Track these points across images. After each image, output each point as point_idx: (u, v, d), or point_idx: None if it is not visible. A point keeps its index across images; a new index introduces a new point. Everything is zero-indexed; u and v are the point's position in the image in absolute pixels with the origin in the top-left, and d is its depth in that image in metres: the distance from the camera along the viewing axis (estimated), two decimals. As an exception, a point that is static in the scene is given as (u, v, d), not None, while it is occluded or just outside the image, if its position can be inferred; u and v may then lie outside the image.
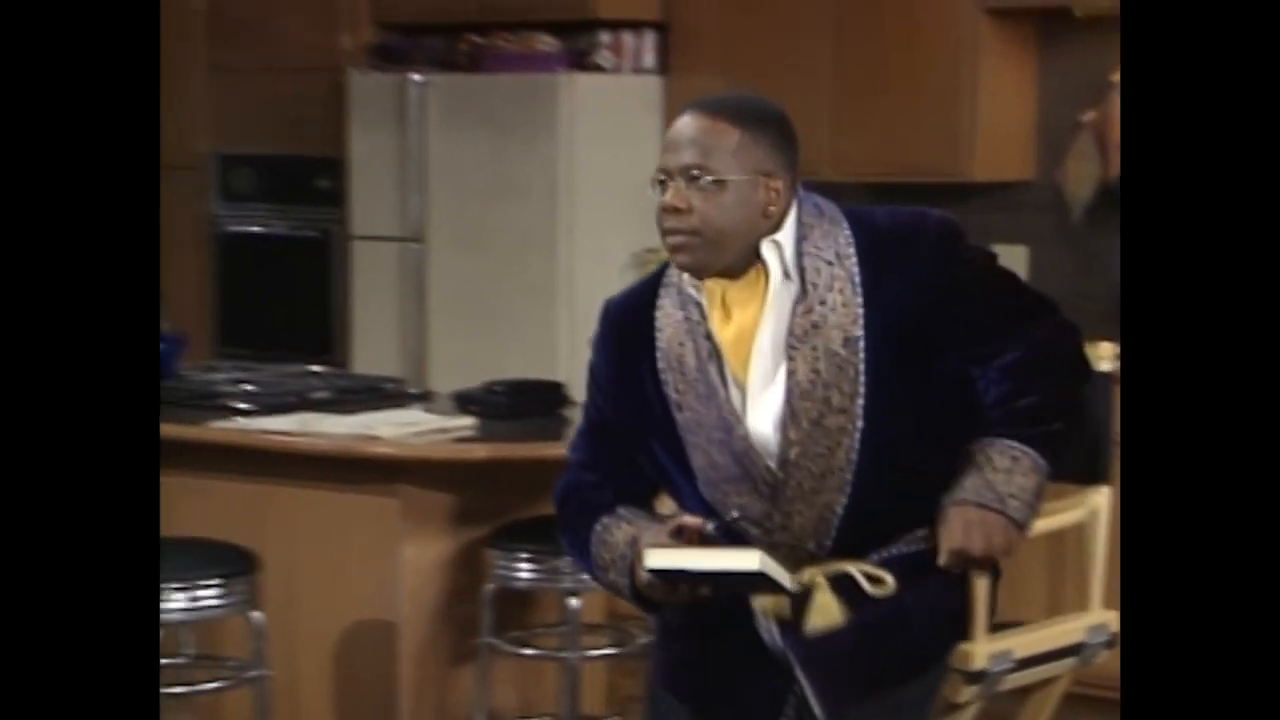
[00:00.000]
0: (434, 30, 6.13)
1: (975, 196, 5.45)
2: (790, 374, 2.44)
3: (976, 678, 2.98)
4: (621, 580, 2.52)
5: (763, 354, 2.45)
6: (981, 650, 2.96)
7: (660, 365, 2.51)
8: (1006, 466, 2.41)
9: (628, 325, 2.57)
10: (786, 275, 2.45)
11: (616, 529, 2.54)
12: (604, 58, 5.84)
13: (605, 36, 5.82)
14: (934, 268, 2.47)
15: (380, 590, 4.01)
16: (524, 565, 3.87)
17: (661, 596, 2.47)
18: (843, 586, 2.48)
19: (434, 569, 4.03)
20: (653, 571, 2.40)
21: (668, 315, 2.52)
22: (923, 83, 5.42)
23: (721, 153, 2.43)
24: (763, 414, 2.46)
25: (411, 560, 4.00)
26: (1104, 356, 3.25)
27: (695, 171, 2.42)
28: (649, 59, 5.87)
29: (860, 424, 2.45)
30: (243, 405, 4.26)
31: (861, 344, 2.44)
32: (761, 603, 2.49)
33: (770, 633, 2.51)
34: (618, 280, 4.06)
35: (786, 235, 2.46)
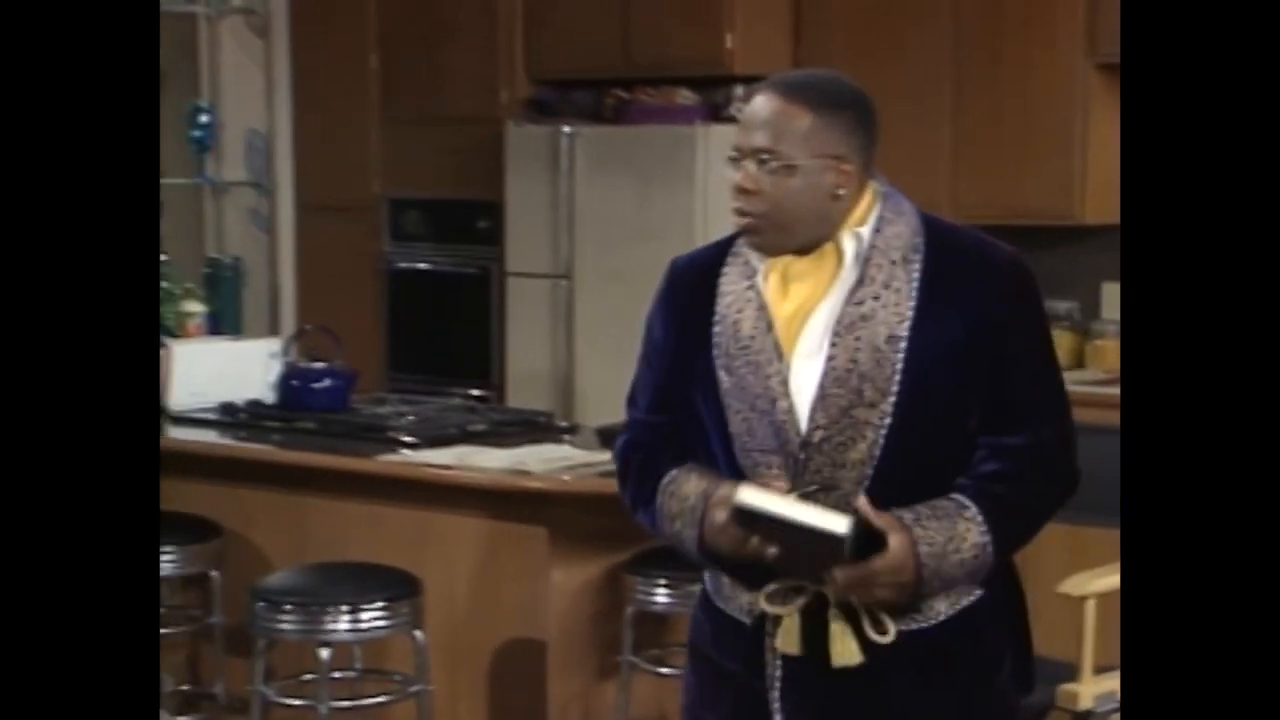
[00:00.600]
0: (583, 85, 6.22)
1: (1085, 238, 5.49)
2: (829, 359, 2.31)
3: (1082, 718, 2.93)
4: (688, 531, 2.37)
5: (813, 334, 2.34)
6: (1088, 691, 2.91)
7: (716, 329, 2.39)
8: (957, 534, 2.28)
9: (691, 286, 2.46)
10: (850, 264, 2.33)
11: (687, 480, 2.40)
12: (738, 110, 5.87)
13: (739, 90, 5.85)
14: (996, 302, 2.32)
15: (530, 611, 4.08)
16: (661, 589, 3.93)
17: (729, 545, 2.30)
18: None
19: (579, 592, 4.10)
20: (739, 510, 2.24)
21: (731, 282, 2.41)
22: (1037, 131, 5.46)
23: (793, 136, 2.29)
24: (800, 392, 2.33)
25: (559, 584, 4.07)
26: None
27: (765, 155, 2.30)
28: (781, 110, 5.91)
29: (888, 422, 2.30)
30: (407, 439, 4.39)
31: (904, 344, 2.30)
32: (781, 637, 2.34)
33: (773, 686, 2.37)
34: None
35: (868, 229, 2.33)
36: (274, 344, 5.08)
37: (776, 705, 2.36)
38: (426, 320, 6.60)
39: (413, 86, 6.57)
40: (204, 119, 5.34)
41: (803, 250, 2.35)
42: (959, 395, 2.33)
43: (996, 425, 2.34)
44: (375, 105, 6.64)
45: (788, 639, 2.34)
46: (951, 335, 2.31)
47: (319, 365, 4.82)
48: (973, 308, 2.32)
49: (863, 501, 2.27)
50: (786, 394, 2.33)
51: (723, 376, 2.38)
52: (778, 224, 2.33)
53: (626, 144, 5.93)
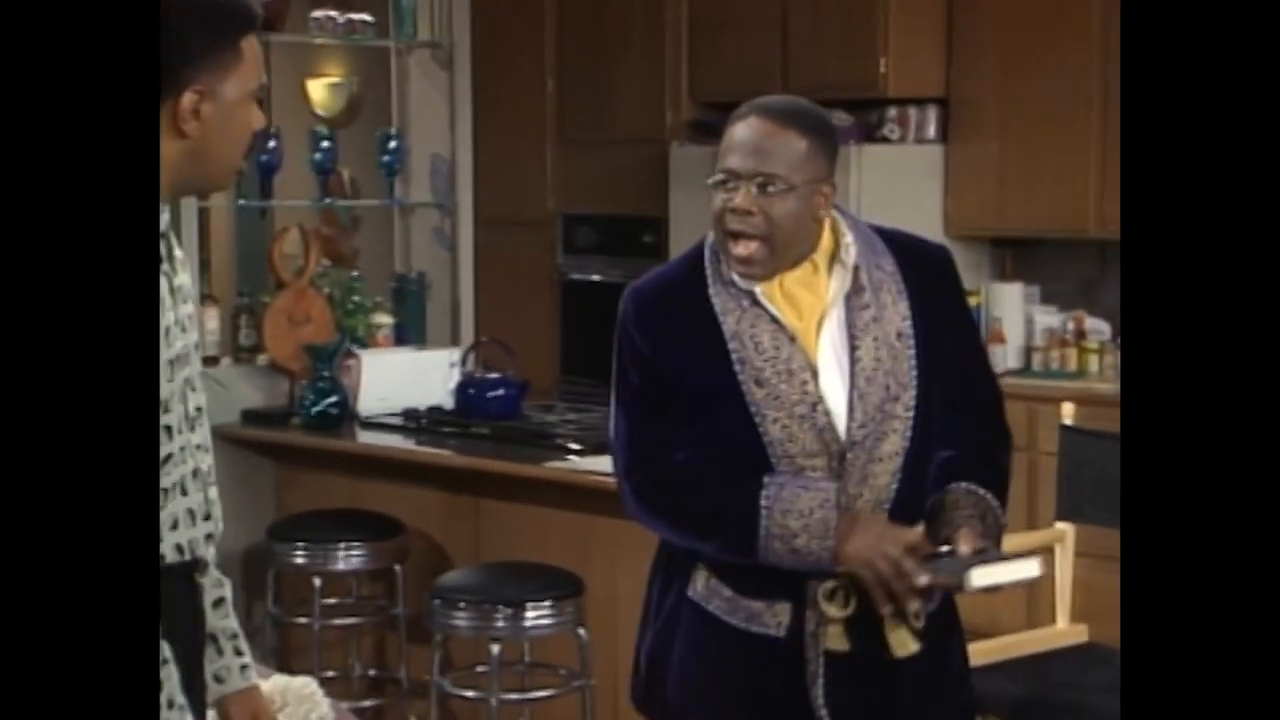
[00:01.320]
0: (743, 108, 6.23)
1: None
2: (856, 360, 2.33)
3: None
4: (815, 544, 2.30)
5: (829, 342, 2.35)
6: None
7: (732, 347, 2.34)
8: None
9: (674, 310, 2.39)
10: (846, 273, 2.35)
11: (801, 494, 2.31)
12: (891, 130, 5.86)
13: (893, 111, 5.84)
14: (954, 291, 2.49)
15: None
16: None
17: (893, 582, 2.29)
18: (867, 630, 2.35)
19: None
20: (981, 589, 2.29)
21: (726, 304, 2.36)
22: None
23: (791, 159, 2.29)
24: (832, 395, 2.34)
25: (712, 585, 4.10)
26: (1066, 414, 3.62)
27: (764, 179, 2.29)
28: (931, 130, 5.87)
29: (912, 414, 2.35)
30: (573, 445, 4.42)
31: (911, 339, 2.36)
32: (827, 632, 2.35)
33: (817, 686, 2.36)
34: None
35: (851, 239, 2.37)
36: (454, 354, 5.16)
37: (820, 701, 2.37)
38: (597, 328, 6.58)
39: (586, 110, 6.64)
40: (392, 145, 5.43)
41: (790, 269, 2.35)
42: (951, 375, 2.41)
43: (969, 412, 2.45)
44: (551, 128, 6.71)
45: (838, 637, 2.35)
46: (938, 324, 2.40)
47: (493, 375, 4.90)
48: (940, 293, 2.43)
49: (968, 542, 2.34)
50: (822, 398, 2.34)
51: (751, 389, 2.34)
52: (775, 245, 2.31)
53: (784, 164, 5.89)
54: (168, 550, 2.06)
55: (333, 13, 5.38)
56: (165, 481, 2.04)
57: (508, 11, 6.68)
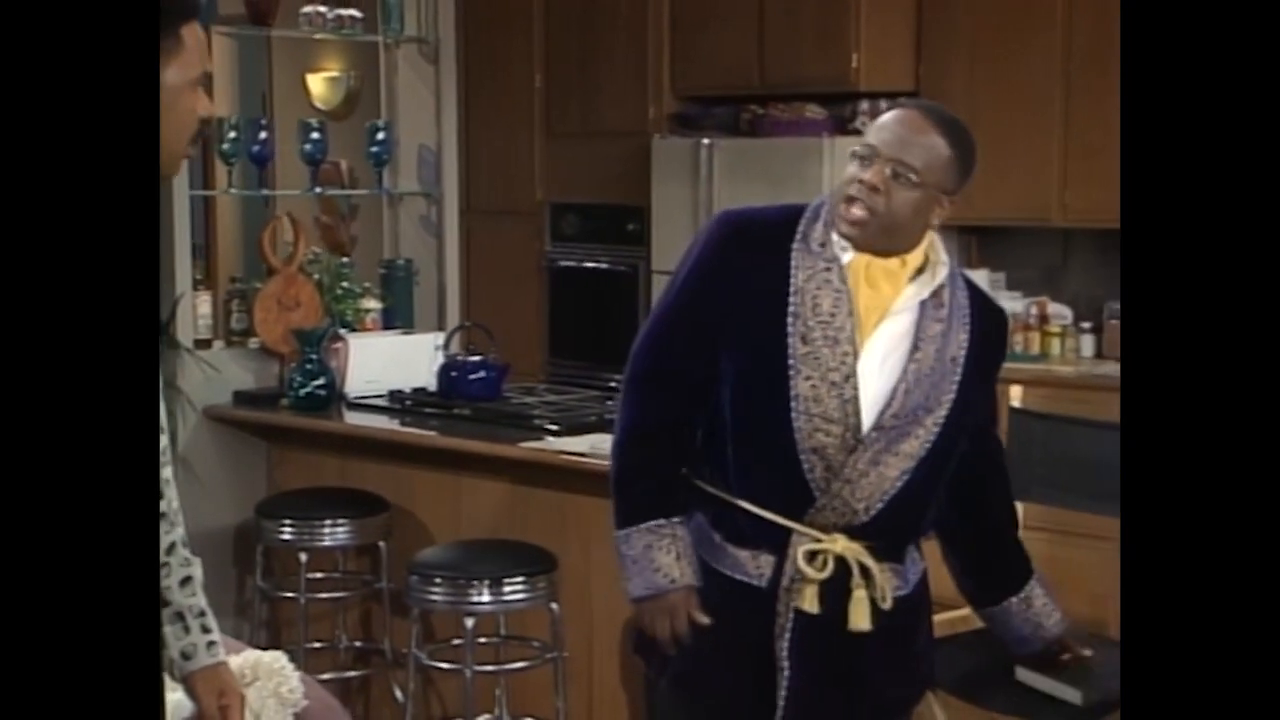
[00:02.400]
0: (722, 102, 6.16)
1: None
2: (915, 359, 2.33)
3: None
4: (632, 584, 2.42)
5: (886, 331, 2.33)
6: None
7: (792, 299, 2.31)
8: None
9: (754, 245, 2.35)
10: (930, 285, 2.34)
11: (663, 550, 2.38)
12: (863, 122, 5.74)
13: (865, 105, 5.76)
14: (999, 351, 2.52)
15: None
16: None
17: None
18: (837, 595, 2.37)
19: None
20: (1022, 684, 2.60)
21: (804, 258, 2.32)
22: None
23: (930, 159, 2.28)
24: (867, 375, 2.32)
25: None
26: (1015, 397, 3.47)
27: (903, 167, 2.26)
28: (902, 123, 5.78)
29: (939, 428, 2.36)
30: (550, 426, 4.33)
31: (961, 366, 2.38)
32: (801, 591, 2.35)
33: (782, 651, 2.37)
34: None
35: (945, 258, 2.39)
36: (438, 338, 5.06)
37: (785, 653, 2.36)
38: (582, 312, 6.58)
39: (572, 104, 6.57)
40: (380, 136, 5.31)
41: (882, 255, 2.32)
42: (977, 411, 2.46)
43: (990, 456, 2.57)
44: (539, 121, 6.66)
45: (811, 599, 2.34)
46: (984, 364, 2.44)
47: (475, 358, 4.79)
48: (991, 347, 2.46)
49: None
50: (854, 373, 2.31)
51: (796, 343, 2.31)
52: (885, 227, 2.28)
53: (760, 155, 5.83)
54: None
55: (321, 8, 5.25)
56: None
57: (496, 9, 6.64)
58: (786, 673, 2.36)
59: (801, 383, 2.30)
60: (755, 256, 2.34)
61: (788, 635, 2.36)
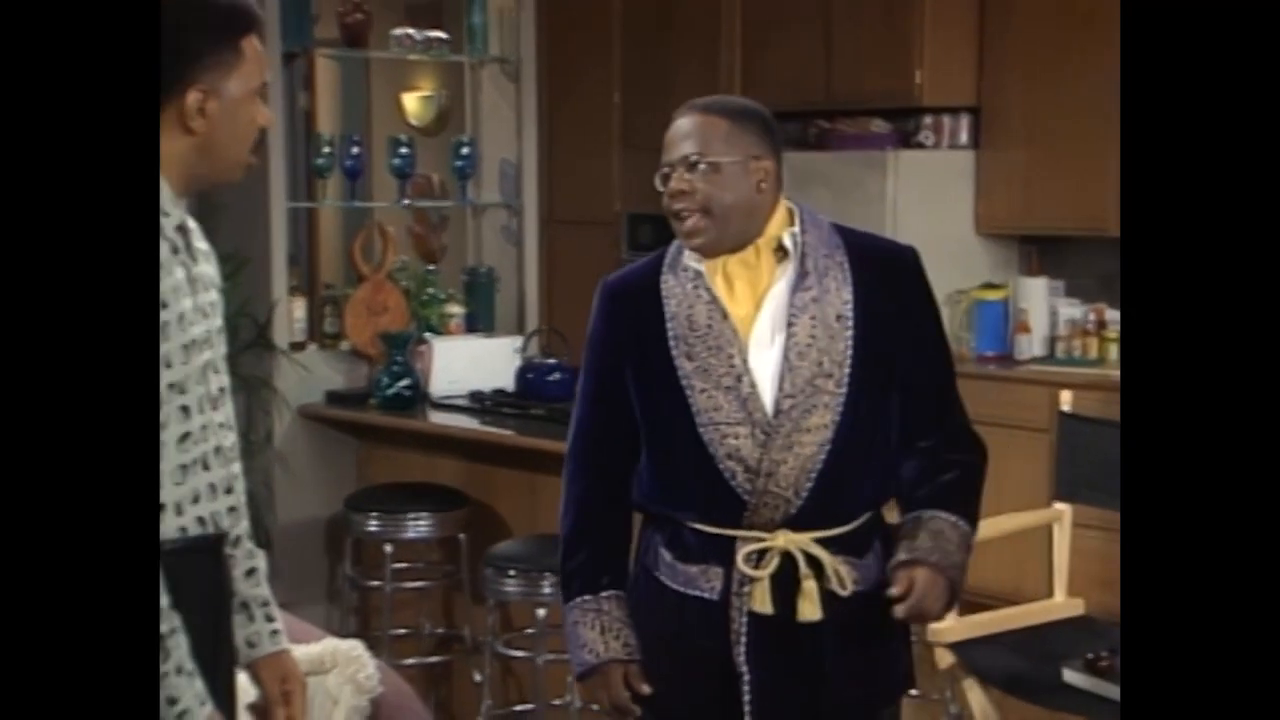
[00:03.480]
0: (790, 117, 6.04)
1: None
2: (790, 335, 2.26)
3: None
4: (571, 661, 2.40)
5: (765, 321, 2.28)
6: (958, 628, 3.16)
7: (669, 327, 2.29)
8: (956, 542, 2.32)
9: (630, 298, 2.36)
10: (792, 259, 2.29)
11: (587, 625, 2.35)
12: (926, 137, 5.70)
13: (928, 119, 5.68)
14: (910, 292, 2.35)
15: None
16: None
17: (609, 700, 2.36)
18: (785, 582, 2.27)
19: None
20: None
21: (672, 288, 2.31)
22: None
23: (715, 140, 2.25)
24: (762, 368, 2.27)
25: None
26: (1065, 401, 3.49)
27: (694, 158, 2.24)
28: (964, 137, 5.70)
29: (844, 390, 2.26)
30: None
31: (850, 322, 2.28)
32: (751, 594, 2.27)
33: (739, 657, 2.29)
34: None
35: (797, 229, 2.30)
36: (516, 341, 5.06)
37: (742, 659, 2.29)
38: (658, 318, 6.53)
39: (648, 118, 6.45)
40: (465, 151, 5.33)
41: (735, 249, 2.30)
42: (894, 364, 2.32)
43: (922, 425, 2.35)
44: (617, 135, 6.60)
45: (761, 599, 2.28)
46: (884, 312, 2.31)
47: (551, 361, 4.78)
48: (894, 290, 2.33)
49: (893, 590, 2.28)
50: (748, 370, 2.27)
51: (683, 363, 2.29)
52: (715, 215, 2.26)
53: (826, 167, 5.76)
54: (189, 523, 1.96)
55: (411, 30, 5.29)
56: (185, 458, 1.94)
57: (575, 29, 6.63)
58: (747, 678, 2.29)
59: (698, 397, 2.28)
60: (632, 306, 2.35)
61: (744, 640, 2.29)
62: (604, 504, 2.40)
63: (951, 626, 3.22)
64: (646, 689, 2.34)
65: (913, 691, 2.57)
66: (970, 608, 3.58)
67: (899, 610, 2.27)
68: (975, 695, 3.32)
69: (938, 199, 5.59)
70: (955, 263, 5.59)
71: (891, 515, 2.43)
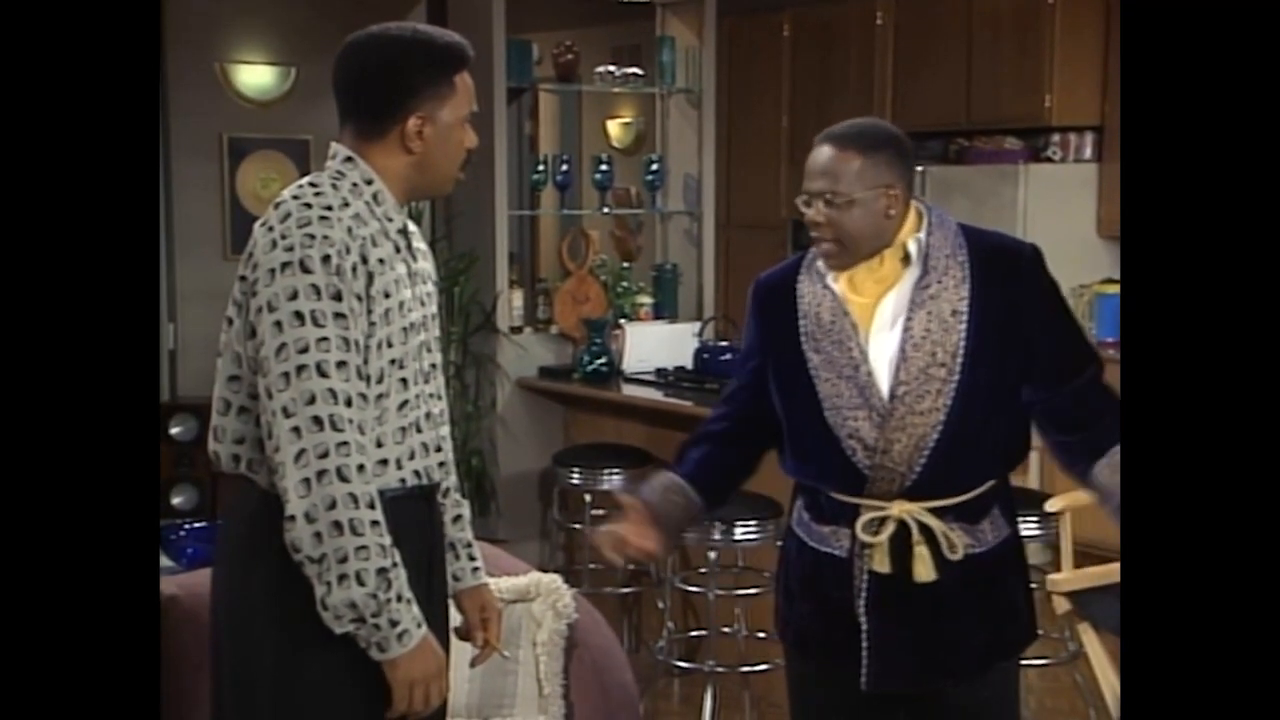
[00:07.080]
0: (934, 135, 5.90)
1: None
2: (906, 328, 2.14)
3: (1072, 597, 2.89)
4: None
5: (884, 315, 2.17)
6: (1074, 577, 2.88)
7: (801, 324, 2.21)
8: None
9: (774, 296, 2.28)
10: (915, 262, 2.16)
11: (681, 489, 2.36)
12: (1054, 152, 5.47)
13: (1056, 137, 5.45)
14: (1030, 282, 2.18)
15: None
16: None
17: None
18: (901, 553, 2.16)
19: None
20: None
21: (806, 287, 2.23)
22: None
23: (848, 176, 2.13)
24: (880, 358, 2.17)
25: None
26: None
27: (829, 195, 2.14)
28: (1088, 152, 5.44)
29: (956, 377, 2.13)
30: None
31: (965, 317, 2.14)
32: (871, 555, 2.18)
33: (860, 595, 2.20)
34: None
35: (923, 234, 2.16)
36: (696, 326, 5.02)
37: (862, 610, 2.21)
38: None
39: (812, 138, 6.32)
40: (655, 167, 5.30)
41: (865, 259, 2.19)
42: (1007, 358, 2.17)
43: (1065, 373, 2.19)
44: (785, 152, 6.52)
45: (880, 560, 2.18)
46: (999, 309, 2.16)
47: (724, 343, 4.73)
48: (1011, 287, 2.17)
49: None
50: (866, 360, 2.17)
51: (811, 355, 2.21)
52: (846, 246, 2.16)
53: (965, 180, 5.56)
54: (408, 475, 1.98)
55: (612, 67, 5.29)
56: (404, 421, 1.96)
57: (750, 64, 6.56)
58: (865, 627, 2.21)
59: (823, 385, 2.20)
60: (775, 302, 2.28)
61: (864, 595, 2.21)
62: (724, 435, 2.37)
63: (1068, 577, 3.05)
64: (628, 498, 2.36)
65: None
66: (1086, 559, 3.43)
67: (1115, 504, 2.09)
68: (1089, 638, 3.15)
69: (1064, 206, 5.35)
70: (1079, 261, 5.34)
71: (1020, 479, 2.30)
